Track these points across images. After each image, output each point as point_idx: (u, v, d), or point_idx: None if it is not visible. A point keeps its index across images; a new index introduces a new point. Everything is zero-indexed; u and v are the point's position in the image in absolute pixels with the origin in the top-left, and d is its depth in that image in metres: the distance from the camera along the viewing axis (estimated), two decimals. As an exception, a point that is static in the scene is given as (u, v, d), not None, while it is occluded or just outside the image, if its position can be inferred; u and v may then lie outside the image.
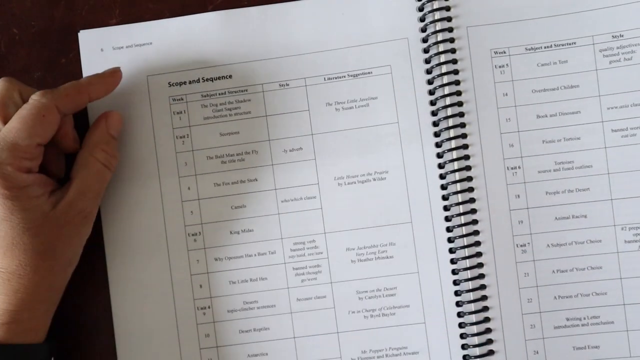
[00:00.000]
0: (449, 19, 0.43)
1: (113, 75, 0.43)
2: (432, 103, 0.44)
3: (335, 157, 0.44)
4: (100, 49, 0.45)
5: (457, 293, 0.43)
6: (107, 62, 0.44)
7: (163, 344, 0.44)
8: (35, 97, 0.39)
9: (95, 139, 0.42)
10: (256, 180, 0.44)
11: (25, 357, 0.38)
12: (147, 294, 0.44)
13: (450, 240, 0.43)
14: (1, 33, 0.45)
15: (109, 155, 0.42)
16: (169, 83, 0.45)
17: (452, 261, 0.43)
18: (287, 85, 0.44)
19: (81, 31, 0.45)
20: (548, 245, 0.43)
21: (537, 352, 0.43)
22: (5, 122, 0.38)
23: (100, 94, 0.42)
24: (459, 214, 0.43)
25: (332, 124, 0.44)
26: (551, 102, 0.43)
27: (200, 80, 0.45)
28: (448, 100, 0.43)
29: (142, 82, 0.45)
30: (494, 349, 0.43)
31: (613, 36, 0.43)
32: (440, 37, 0.43)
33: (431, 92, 0.44)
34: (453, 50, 0.43)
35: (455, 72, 0.43)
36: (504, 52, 0.44)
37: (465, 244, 0.43)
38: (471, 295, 0.43)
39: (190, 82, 0.45)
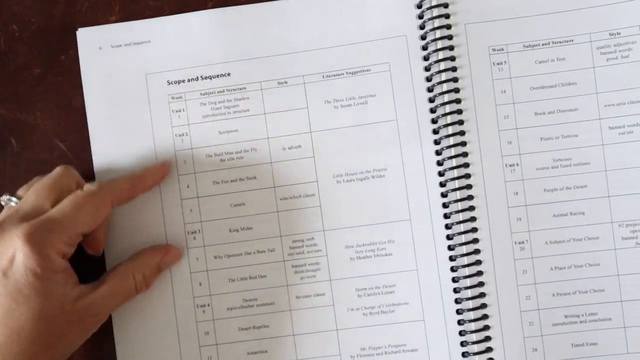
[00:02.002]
0: (447, 16, 0.43)
1: (163, 168, 0.43)
2: (431, 100, 0.44)
3: (333, 154, 0.44)
4: (99, 47, 0.45)
5: (455, 290, 0.43)
6: (105, 61, 0.45)
7: (163, 342, 0.44)
8: (92, 188, 0.39)
9: (145, 260, 0.42)
10: (255, 178, 0.44)
11: None
12: (147, 292, 0.44)
13: (448, 237, 0.43)
14: (1, 30, 0.45)
15: (144, 282, 0.42)
16: (167, 81, 0.45)
17: (451, 258, 0.43)
18: (286, 83, 0.44)
19: (79, 29, 0.45)
20: (546, 242, 0.43)
21: (536, 349, 0.43)
22: (54, 206, 0.38)
23: (150, 187, 0.43)
24: (458, 211, 0.43)
25: (330, 121, 0.44)
26: (549, 100, 0.43)
27: (199, 78, 0.45)
28: (446, 98, 0.43)
29: (141, 80, 0.45)
30: (492, 346, 0.43)
31: (610, 34, 0.44)
32: (438, 34, 0.43)
33: (429, 90, 0.44)
34: (451, 48, 0.43)
35: (454, 69, 0.43)
36: (502, 50, 0.44)
37: (464, 241, 0.43)
38: (469, 293, 0.43)
39: (188, 80, 0.45)
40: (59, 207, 0.38)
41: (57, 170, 0.41)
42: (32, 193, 0.39)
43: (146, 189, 0.43)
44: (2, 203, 0.41)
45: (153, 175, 0.43)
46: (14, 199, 0.40)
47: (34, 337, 0.36)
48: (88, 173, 0.44)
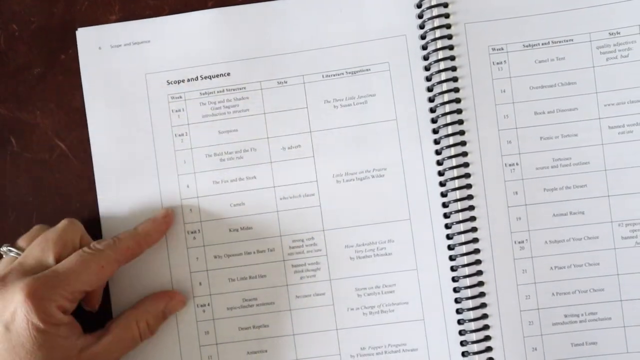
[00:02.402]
0: (447, 16, 0.44)
1: (166, 217, 0.43)
2: (431, 100, 0.44)
3: (333, 154, 0.44)
4: (99, 47, 0.45)
5: (455, 290, 0.43)
6: (105, 61, 0.45)
7: (163, 341, 0.44)
8: (99, 247, 0.39)
9: (149, 308, 0.42)
10: (255, 177, 0.44)
11: None
12: (147, 291, 0.44)
13: (448, 237, 0.43)
14: (1, 29, 0.45)
15: (148, 329, 0.42)
16: (167, 81, 0.45)
17: (451, 258, 0.43)
18: (285, 82, 0.44)
19: (79, 29, 0.45)
20: (546, 241, 0.43)
21: (536, 349, 0.43)
22: (58, 261, 0.38)
23: (156, 241, 0.43)
24: (458, 211, 0.43)
25: (330, 121, 0.44)
26: (549, 99, 0.43)
27: (199, 78, 0.45)
28: (446, 97, 0.43)
29: (141, 80, 0.45)
30: (492, 346, 0.43)
31: (610, 33, 0.44)
32: (438, 33, 0.43)
33: (429, 89, 0.44)
34: (451, 47, 0.43)
35: (453, 68, 0.43)
36: (502, 49, 0.44)
37: (464, 241, 0.43)
38: (469, 292, 0.43)
39: (188, 80, 0.45)
40: (65, 264, 0.38)
41: (62, 223, 0.41)
42: (36, 246, 0.39)
43: (153, 244, 0.43)
44: (2, 253, 0.41)
45: (159, 229, 0.43)
46: (13, 249, 0.40)
47: None
48: (88, 174, 0.44)
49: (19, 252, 0.40)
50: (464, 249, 0.43)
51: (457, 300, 0.43)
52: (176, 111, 0.45)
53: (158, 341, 0.44)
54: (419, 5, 0.44)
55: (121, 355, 0.40)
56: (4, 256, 0.40)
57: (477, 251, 0.43)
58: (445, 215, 0.44)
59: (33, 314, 0.36)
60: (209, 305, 0.44)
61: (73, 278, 0.38)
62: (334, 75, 0.44)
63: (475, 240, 0.43)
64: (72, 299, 0.38)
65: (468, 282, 0.43)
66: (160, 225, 0.43)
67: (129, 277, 0.44)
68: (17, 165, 0.45)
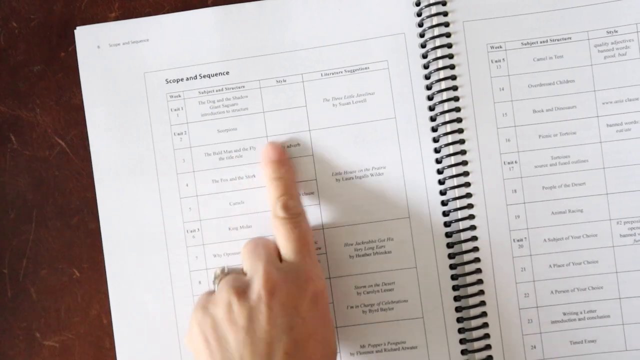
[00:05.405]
0: (445, 14, 0.44)
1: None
2: (429, 98, 0.44)
3: (332, 153, 0.44)
4: (97, 45, 0.45)
5: (455, 288, 0.43)
6: (103, 60, 0.45)
7: (162, 341, 0.44)
8: (294, 211, 0.41)
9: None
10: (254, 176, 0.44)
11: None
12: (146, 290, 0.44)
13: (447, 235, 0.44)
14: (0, 27, 0.45)
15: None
16: (166, 80, 0.45)
17: (450, 256, 0.43)
18: (284, 81, 0.44)
19: (77, 28, 0.45)
20: (545, 239, 0.43)
21: (535, 347, 0.43)
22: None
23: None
24: (457, 209, 0.43)
25: (329, 119, 0.44)
26: (547, 97, 0.44)
27: (198, 76, 0.45)
28: (445, 95, 0.43)
29: (139, 79, 0.45)
30: (491, 344, 0.43)
31: (607, 32, 0.44)
32: (436, 32, 0.44)
33: (428, 87, 0.44)
34: (449, 45, 0.44)
35: (452, 67, 0.44)
36: (500, 47, 0.44)
37: (463, 239, 0.43)
38: (469, 290, 0.43)
39: (187, 79, 0.45)
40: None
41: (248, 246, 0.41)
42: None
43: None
44: (221, 274, 0.40)
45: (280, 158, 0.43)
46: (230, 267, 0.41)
47: None
48: (87, 171, 0.44)
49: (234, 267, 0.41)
50: (463, 246, 0.43)
51: (456, 298, 0.43)
52: (175, 110, 0.45)
53: (158, 338, 0.44)
54: (417, 4, 0.44)
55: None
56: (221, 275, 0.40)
57: (476, 249, 0.43)
58: (444, 213, 0.44)
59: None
60: (208, 303, 0.44)
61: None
62: (333, 74, 0.44)
63: (474, 238, 0.43)
64: None
65: (467, 280, 0.43)
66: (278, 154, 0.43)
67: (128, 277, 0.44)
68: (17, 162, 0.45)
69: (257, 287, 0.37)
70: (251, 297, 0.36)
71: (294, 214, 0.40)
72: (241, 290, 0.37)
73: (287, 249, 0.39)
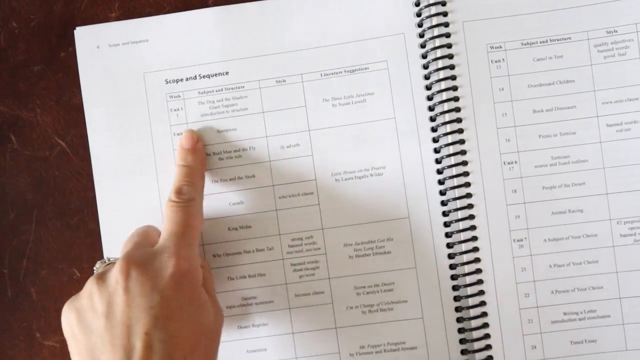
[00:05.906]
0: (445, 14, 0.44)
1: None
2: (429, 98, 0.44)
3: (332, 153, 0.44)
4: (97, 46, 0.45)
5: (454, 288, 0.43)
6: (103, 60, 0.45)
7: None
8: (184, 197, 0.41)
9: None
10: (254, 176, 0.44)
11: None
12: None
13: (447, 235, 0.44)
14: (0, 27, 0.45)
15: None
16: (165, 80, 0.45)
17: (450, 256, 0.43)
18: (284, 81, 0.44)
19: (77, 28, 0.45)
20: (545, 239, 0.43)
21: (535, 347, 0.43)
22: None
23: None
24: (456, 209, 0.43)
25: (329, 119, 0.44)
26: (547, 97, 0.44)
27: (197, 77, 0.45)
28: (444, 95, 0.43)
29: (139, 79, 0.45)
30: (491, 344, 0.43)
31: (607, 32, 0.44)
32: (436, 32, 0.44)
33: (428, 87, 0.44)
34: (449, 46, 0.44)
35: (452, 67, 0.44)
36: (500, 47, 0.44)
37: (463, 239, 0.43)
38: (468, 290, 0.43)
39: (187, 79, 0.45)
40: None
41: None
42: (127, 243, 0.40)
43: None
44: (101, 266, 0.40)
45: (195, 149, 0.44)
46: (110, 258, 0.41)
47: None
48: (87, 171, 0.44)
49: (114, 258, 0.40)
50: (463, 247, 0.43)
51: (456, 299, 0.43)
52: (175, 110, 0.45)
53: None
54: (417, 4, 0.44)
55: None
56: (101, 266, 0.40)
57: (476, 249, 0.43)
58: (444, 214, 0.44)
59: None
60: (208, 303, 0.44)
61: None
62: (333, 74, 0.44)
63: (474, 238, 0.43)
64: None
65: (467, 280, 0.43)
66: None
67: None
68: (17, 162, 0.45)
69: (115, 272, 0.36)
70: (110, 282, 0.36)
71: (184, 200, 0.40)
72: (102, 278, 0.36)
73: (164, 231, 0.39)
